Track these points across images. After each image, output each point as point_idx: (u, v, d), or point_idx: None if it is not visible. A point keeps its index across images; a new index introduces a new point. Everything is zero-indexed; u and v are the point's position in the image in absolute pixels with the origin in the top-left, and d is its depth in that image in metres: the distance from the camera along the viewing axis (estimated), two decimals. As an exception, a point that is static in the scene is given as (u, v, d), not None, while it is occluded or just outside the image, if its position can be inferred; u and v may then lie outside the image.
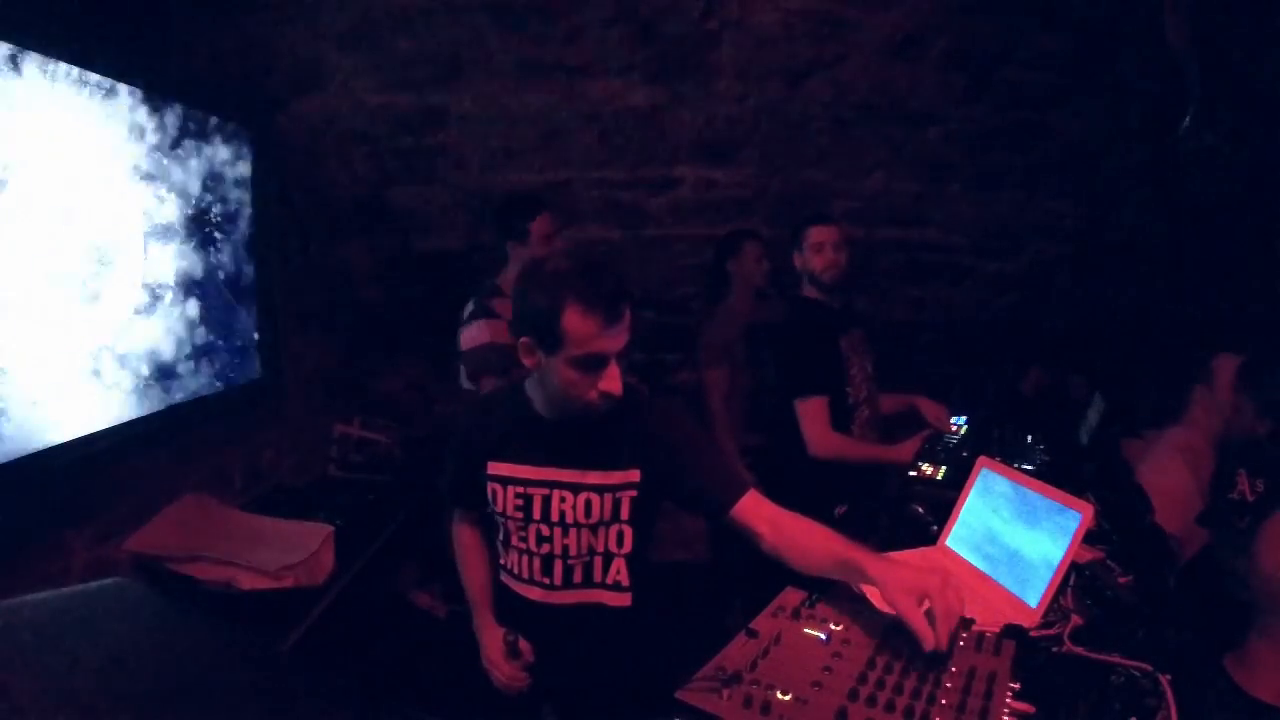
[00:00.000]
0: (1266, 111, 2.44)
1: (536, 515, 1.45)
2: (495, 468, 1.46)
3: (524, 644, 1.50)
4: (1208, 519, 1.72)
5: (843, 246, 2.33)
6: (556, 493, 1.43)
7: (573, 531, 1.44)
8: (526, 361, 1.34)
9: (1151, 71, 2.84)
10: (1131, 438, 2.34)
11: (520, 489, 1.45)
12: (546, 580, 1.48)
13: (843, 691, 1.01)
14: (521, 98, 2.90)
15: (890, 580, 1.17)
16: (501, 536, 1.52)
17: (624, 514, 1.45)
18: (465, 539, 1.65)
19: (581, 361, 1.27)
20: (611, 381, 1.30)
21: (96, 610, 0.73)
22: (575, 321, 1.25)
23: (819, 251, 2.30)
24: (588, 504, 1.43)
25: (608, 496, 1.43)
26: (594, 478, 1.42)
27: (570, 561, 1.46)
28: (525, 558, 1.48)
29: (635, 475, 1.43)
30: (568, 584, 1.47)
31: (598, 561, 1.47)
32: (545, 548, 1.46)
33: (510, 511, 1.46)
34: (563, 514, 1.43)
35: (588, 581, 1.48)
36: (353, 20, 2.73)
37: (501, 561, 1.56)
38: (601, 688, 1.55)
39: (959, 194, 3.19)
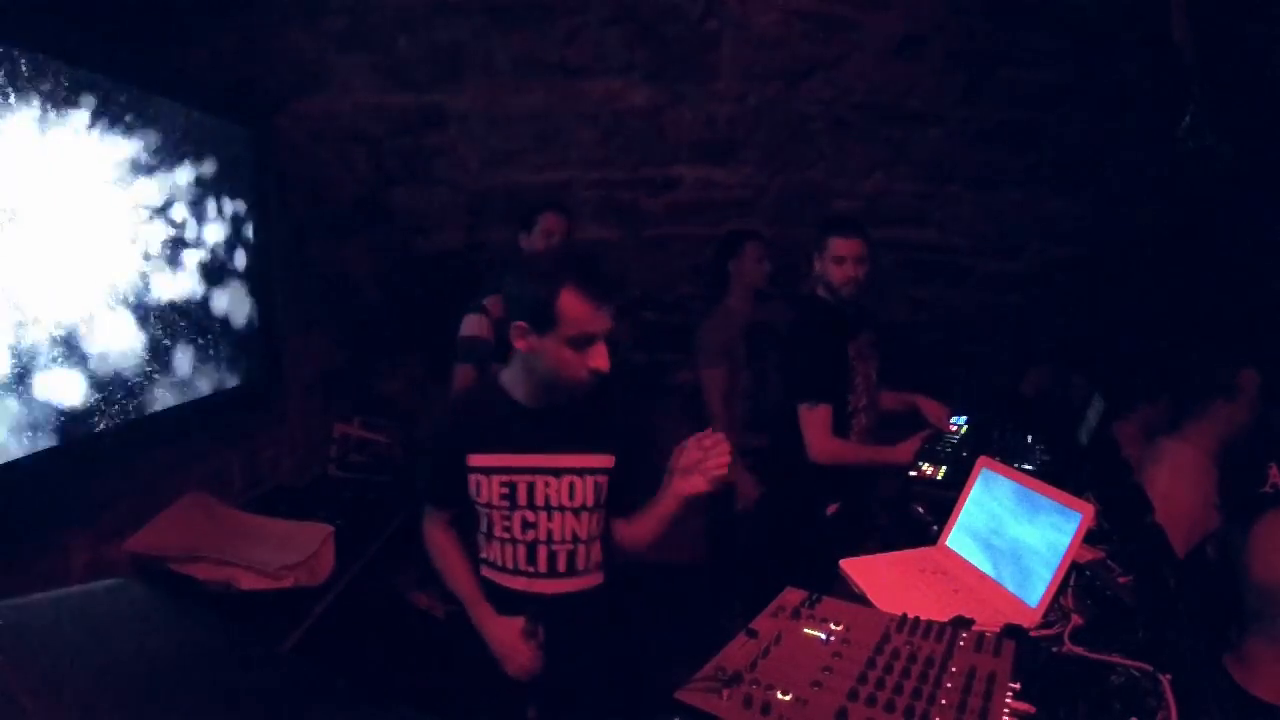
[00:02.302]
0: (1267, 111, 2.44)
1: (522, 501, 1.50)
2: (477, 460, 1.50)
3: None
4: (1236, 514, 1.70)
5: (864, 260, 2.27)
6: (540, 478, 1.50)
7: (557, 516, 1.51)
8: (518, 345, 1.44)
9: (1151, 71, 2.84)
10: (1121, 420, 2.33)
11: (504, 477, 1.50)
12: (531, 569, 1.53)
13: (843, 691, 1.01)
14: (521, 98, 2.90)
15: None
16: (484, 528, 1.55)
17: (602, 497, 1.55)
18: (443, 540, 1.64)
19: (575, 340, 1.39)
20: (600, 359, 1.41)
21: (96, 610, 0.73)
22: (571, 303, 1.38)
23: (839, 264, 2.25)
24: (571, 487, 1.51)
25: (589, 479, 1.52)
26: (575, 461, 1.51)
27: (554, 547, 1.52)
28: (509, 547, 1.53)
29: (610, 460, 1.54)
30: (552, 572, 1.53)
31: (580, 549, 1.55)
32: (530, 534, 1.51)
33: (495, 500, 1.50)
34: (547, 498, 1.51)
35: (571, 569, 1.54)
36: (353, 20, 2.73)
37: (483, 555, 1.58)
38: (589, 671, 1.59)
39: (959, 194, 3.19)
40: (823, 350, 2.28)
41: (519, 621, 1.52)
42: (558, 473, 1.51)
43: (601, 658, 1.59)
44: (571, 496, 1.52)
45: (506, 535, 1.53)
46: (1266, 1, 2.31)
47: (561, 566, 1.54)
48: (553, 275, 1.40)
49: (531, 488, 1.50)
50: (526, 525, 1.51)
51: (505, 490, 1.50)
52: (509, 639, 1.52)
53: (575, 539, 1.53)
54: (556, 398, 1.49)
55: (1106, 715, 1.07)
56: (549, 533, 1.52)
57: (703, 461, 1.48)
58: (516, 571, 1.54)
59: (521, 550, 1.53)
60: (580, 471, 1.52)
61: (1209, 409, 2.05)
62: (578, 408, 1.50)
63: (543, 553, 1.52)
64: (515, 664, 1.52)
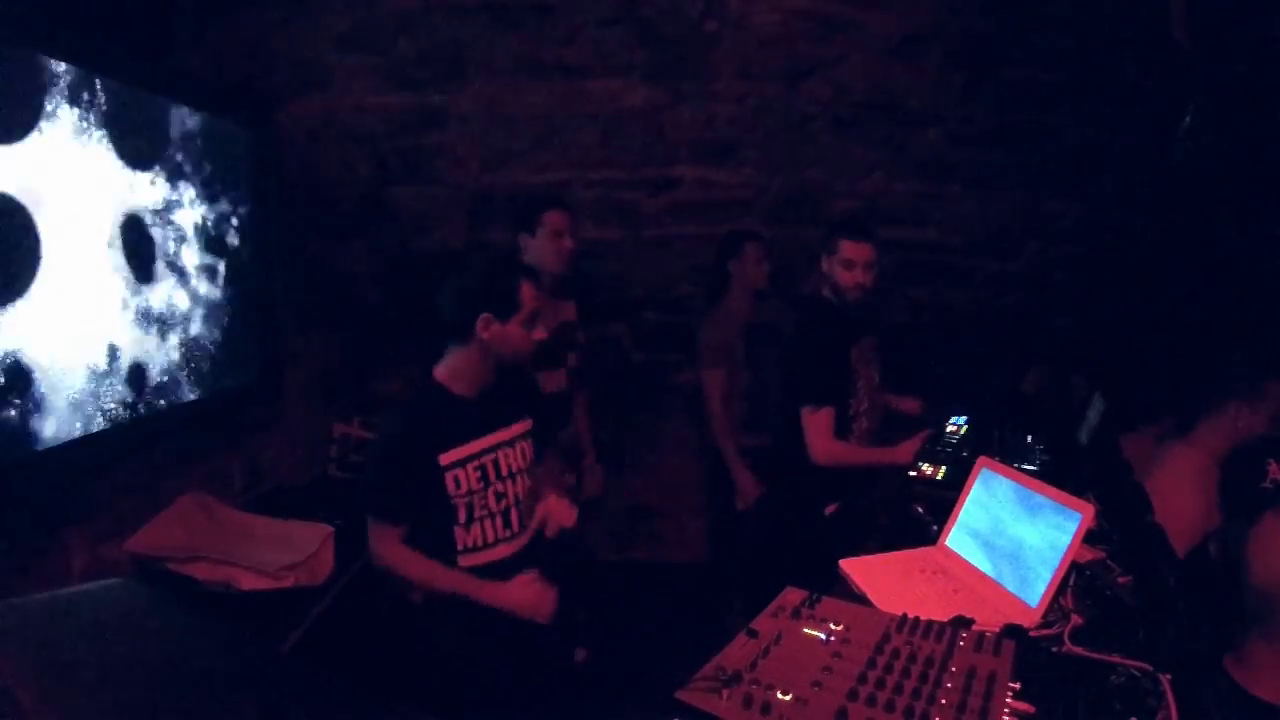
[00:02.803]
0: (1267, 111, 2.44)
1: (492, 477, 1.73)
2: (449, 456, 1.67)
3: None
4: (1236, 512, 1.69)
5: (874, 265, 2.24)
6: (501, 452, 1.75)
7: (519, 479, 1.78)
8: (484, 335, 1.68)
9: (1152, 71, 2.84)
10: (1130, 433, 2.32)
11: (477, 462, 1.70)
12: (508, 532, 1.76)
13: (843, 691, 1.01)
14: (521, 98, 2.91)
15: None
16: (462, 520, 1.70)
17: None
18: (406, 552, 1.69)
19: (529, 319, 1.72)
20: (541, 331, 1.76)
21: (96, 610, 0.73)
22: (528, 289, 1.72)
23: (848, 268, 2.21)
24: (522, 451, 1.80)
25: (529, 440, 1.83)
26: (518, 429, 1.80)
27: (520, 506, 1.79)
28: (488, 521, 1.73)
29: (531, 422, 1.85)
30: (523, 526, 1.80)
31: (528, 501, 1.82)
32: (503, 503, 1.75)
33: (474, 485, 1.69)
34: (509, 467, 1.76)
35: (530, 518, 1.82)
36: (353, 20, 2.73)
37: (461, 546, 1.71)
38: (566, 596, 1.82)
39: (959, 194, 3.19)
40: (825, 353, 2.26)
41: (528, 575, 1.70)
42: (512, 442, 1.77)
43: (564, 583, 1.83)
44: (524, 458, 1.80)
45: (484, 512, 1.72)
46: (1266, 0, 2.31)
47: (526, 521, 1.80)
48: (513, 271, 1.77)
49: (496, 462, 1.73)
50: (499, 496, 1.74)
51: (479, 474, 1.70)
52: (530, 591, 1.69)
53: (532, 494, 1.82)
54: (492, 381, 1.74)
55: (1106, 715, 1.07)
56: (515, 496, 1.77)
57: (551, 517, 1.83)
58: (498, 541, 1.74)
59: (499, 520, 1.75)
60: (524, 436, 1.81)
61: (1225, 409, 2.00)
62: (503, 385, 1.77)
63: (514, 515, 1.78)
64: (544, 612, 1.71)
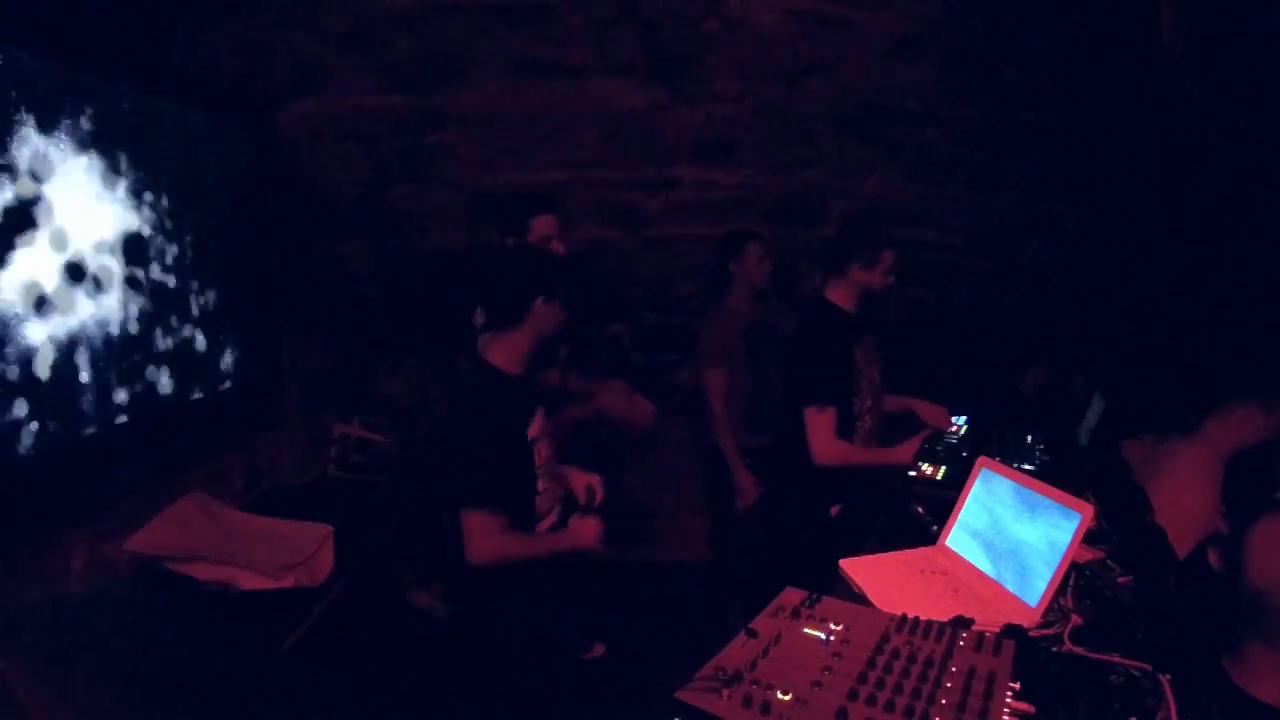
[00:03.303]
0: (1266, 109, 2.44)
1: (553, 443, 1.91)
2: (533, 430, 1.81)
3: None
4: (1239, 515, 1.68)
5: None
6: (549, 420, 1.90)
7: (555, 441, 1.95)
8: (540, 314, 1.82)
9: (1151, 71, 2.84)
10: (1132, 439, 2.32)
11: (547, 430, 1.88)
12: (560, 493, 1.93)
13: (843, 691, 1.01)
14: (521, 98, 2.91)
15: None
16: (542, 488, 1.83)
17: None
18: (510, 537, 1.75)
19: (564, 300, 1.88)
20: (564, 312, 1.90)
21: (96, 610, 0.73)
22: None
23: (887, 275, 2.31)
24: (552, 420, 1.96)
25: (547, 415, 1.96)
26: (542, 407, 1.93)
27: (559, 469, 1.95)
28: (553, 485, 1.89)
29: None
30: (560, 485, 1.96)
31: None
32: (556, 466, 1.92)
33: (549, 452, 1.87)
34: (555, 436, 1.93)
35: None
36: (353, 20, 2.74)
37: (538, 513, 1.83)
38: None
39: (959, 194, 3.19)
40: (831, 353, 2.27)
41: (575, 516, 1.87)
42: (547, 414, 1.93)
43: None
44: (552, 425, 1.95)
45: (549, 480, 1.87)
46: (1256, 2, 2.31)
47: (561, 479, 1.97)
48: (556, 261, 1.99)
49: (548, 430, 1.89)
50: (554, 460, 1.91)
51: (547, 439, 1.87)
52: (591, 524, 1.83)
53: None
54: (550, 346, 1.91)
55: (1106, 715, 1.07)
56: (556, 460, 1.93)
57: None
58: (556, 504, 1.89)
59: (556, 484, 1.90)
60: (550, 410, 1.96)
61: (1237, 410, 1.98)
62: (532, 368, 1.92)
63: (559, 474, 1.95)
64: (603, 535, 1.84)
